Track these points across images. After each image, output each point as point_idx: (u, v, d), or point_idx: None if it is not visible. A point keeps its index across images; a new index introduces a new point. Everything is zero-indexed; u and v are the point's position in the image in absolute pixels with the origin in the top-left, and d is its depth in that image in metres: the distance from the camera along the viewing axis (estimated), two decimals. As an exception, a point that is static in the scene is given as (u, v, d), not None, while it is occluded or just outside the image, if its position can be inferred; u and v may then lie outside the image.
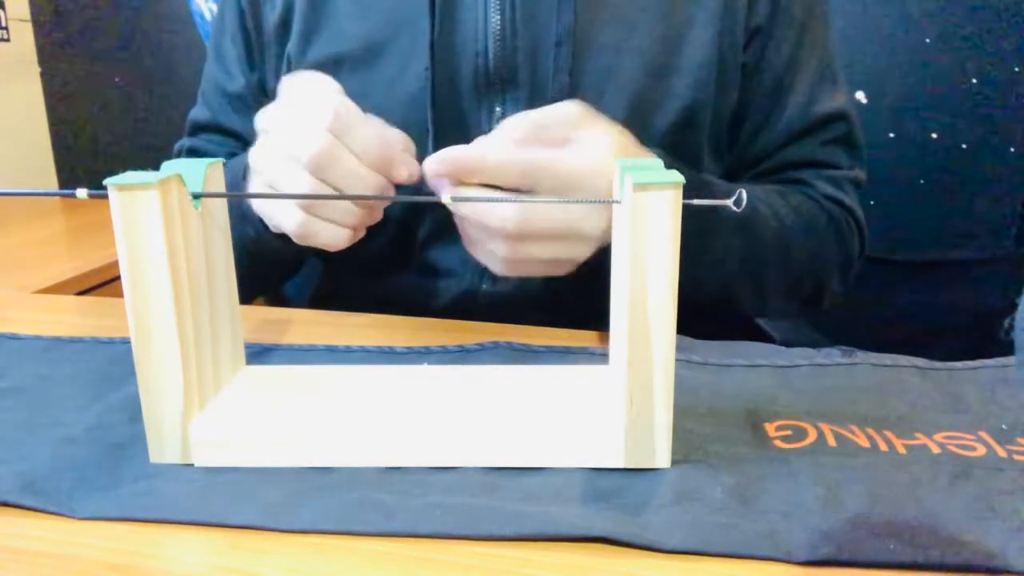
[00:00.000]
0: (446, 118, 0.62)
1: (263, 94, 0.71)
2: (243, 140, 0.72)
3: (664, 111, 0.62)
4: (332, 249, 0.48)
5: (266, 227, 0.52)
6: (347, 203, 0.47)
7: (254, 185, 0.50)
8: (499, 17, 0.61)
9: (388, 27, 0.63)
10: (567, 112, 0.47)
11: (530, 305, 0.64)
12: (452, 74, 0.62)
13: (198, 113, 0.75)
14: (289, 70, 0.67)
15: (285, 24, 0.66)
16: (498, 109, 0.63)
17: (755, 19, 0.64)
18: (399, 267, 0.68)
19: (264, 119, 0.49)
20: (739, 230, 0.58)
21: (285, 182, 0.46)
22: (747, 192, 0.38)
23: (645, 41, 0.62)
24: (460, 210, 0.47)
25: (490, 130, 0.63)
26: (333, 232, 0.47)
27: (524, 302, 0.64)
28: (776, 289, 0.64)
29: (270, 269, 0.69)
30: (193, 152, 0.73)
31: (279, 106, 0.49)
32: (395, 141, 0.49)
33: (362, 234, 0.49)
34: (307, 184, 0.45)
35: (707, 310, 0.56)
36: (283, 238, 0.50)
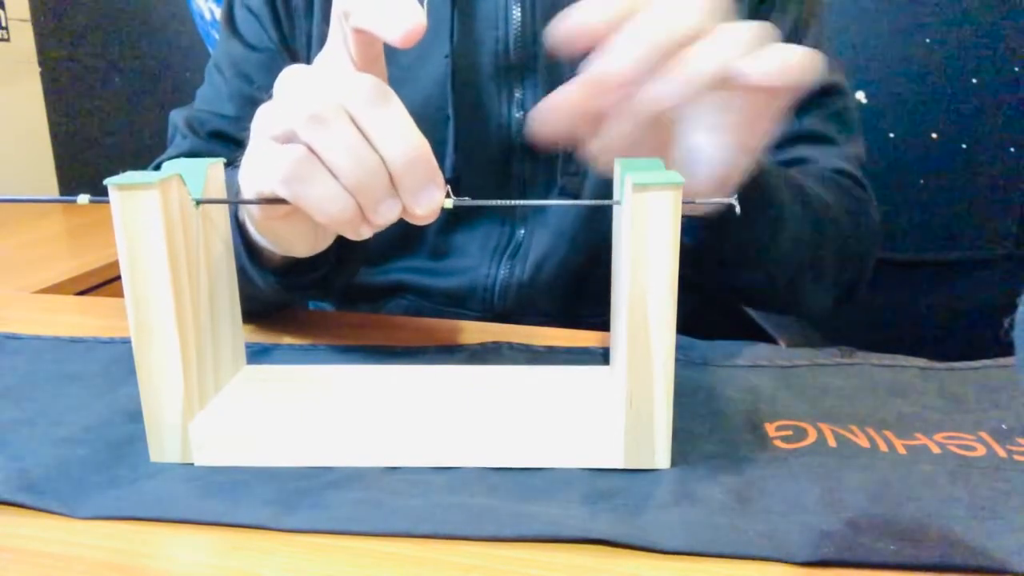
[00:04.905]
0: (465, 103, 0.63)
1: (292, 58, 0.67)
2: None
3: None
4: (325, 218, 0.36)
5: (251, 260, 0.48)
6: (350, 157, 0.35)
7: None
8: (519, 10, 0.62)
9: None
10: None
11: (546, 292, 0.64)
12: (472, 61, 0.63)
13: (203, 91, 0.70)
14: (317, 50, 0.65)
15: (311, 2, 0.65)
16: (517, 94, 0.64)
17: None
18: (409, 253, 0.68)
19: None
20: (796, 196, 0.56)
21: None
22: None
23: None
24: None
25: (509, 114, 0.63)
26: (329, 190, 0.35)
27: (539, 289, 0.65)
28: (830, 264, 0.61)
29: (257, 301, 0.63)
30: (194, 154, 0.72)
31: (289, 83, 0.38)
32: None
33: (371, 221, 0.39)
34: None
35: (768, 301, 0.52)
36: (265, 271, 0.48)
